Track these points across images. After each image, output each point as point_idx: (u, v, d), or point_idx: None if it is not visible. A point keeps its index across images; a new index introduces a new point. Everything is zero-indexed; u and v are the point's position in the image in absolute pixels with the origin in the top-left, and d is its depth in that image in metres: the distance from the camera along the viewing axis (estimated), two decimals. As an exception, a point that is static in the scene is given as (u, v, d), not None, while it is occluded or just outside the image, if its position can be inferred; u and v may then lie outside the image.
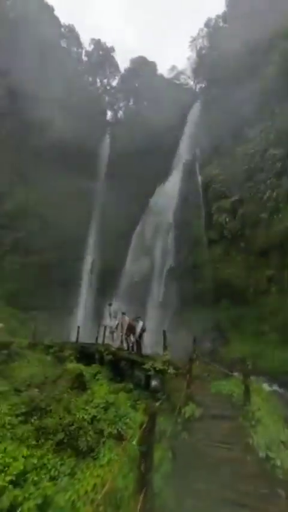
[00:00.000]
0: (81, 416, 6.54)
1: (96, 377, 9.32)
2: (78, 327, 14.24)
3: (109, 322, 12.44)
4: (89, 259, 49.88)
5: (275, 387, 15.30)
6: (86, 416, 6.58)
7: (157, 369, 7.40)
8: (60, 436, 5.85)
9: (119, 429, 6.15)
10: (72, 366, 9.88)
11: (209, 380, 8.75)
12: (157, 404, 4.69)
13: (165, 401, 6.76)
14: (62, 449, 5.62)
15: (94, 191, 54.42)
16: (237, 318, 27.57)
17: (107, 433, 6.09)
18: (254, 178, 31.64)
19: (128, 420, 6.54)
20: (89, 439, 5.75)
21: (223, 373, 9.71)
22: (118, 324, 12.10)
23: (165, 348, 8.12)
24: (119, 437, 5.83)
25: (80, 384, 8.40)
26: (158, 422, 3.74)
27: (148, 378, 8.96)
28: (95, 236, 51.71)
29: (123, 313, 11.93)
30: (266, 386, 11.40)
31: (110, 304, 13.01)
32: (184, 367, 8.40)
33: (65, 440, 5.75)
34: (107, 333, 12.17)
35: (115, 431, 6.10)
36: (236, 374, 10.26)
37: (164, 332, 8.56)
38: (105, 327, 12.46)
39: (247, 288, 27.93)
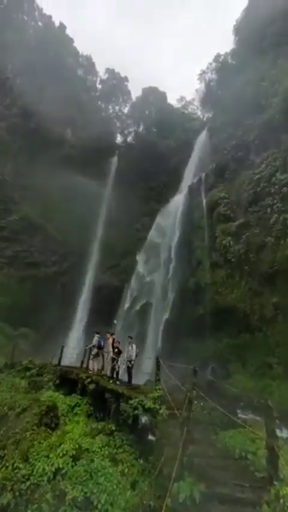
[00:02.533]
0: (41, 468, 4.99)
1: (74, 410, 7.70)
2: (62, 347, 12.66)
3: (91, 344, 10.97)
4: (89, 277, 48.56)
5: (285, 432, 13.22)
6: (47, 469, 5.01)
7: (146, 407, 5.86)
8: (5, 498, 4.30)
9: (87, 494, 4.54)
10: (48, 394, 8.29)
11: (212, 428, 6.99)
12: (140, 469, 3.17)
13: (153, 457, 5.15)
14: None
15: (99, 209, 54.46)
16: (240, 348, 25.53)
17: (70, 498, 4.50)
18: (259, 203, 31.12)
19: (102, 479, 4.93)
20: (43, 506, 4.19)
21: (226, 415, 8.01)
22: (93, 345, 10.57)
23: (157, 380, 6.59)
24: (85, 507, 4.24)
25: (50, 420, 6.82)
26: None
27: (136, 414, 7.34)
28: (97, 254, 50.82)
29: (110, 333, 10.41)
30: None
31: (97, 333, 11.30)
32: (180, 406, 6.83)
33: (11, 506, 4.19)
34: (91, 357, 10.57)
35: (81, 497, 4.49)
36: (243, 416, 8.48)
37: (158, 360, 7.06)
38: (90, 349, 10.81)
39: (251, 314, 26.19)
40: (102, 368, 10.46)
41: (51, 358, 14.58)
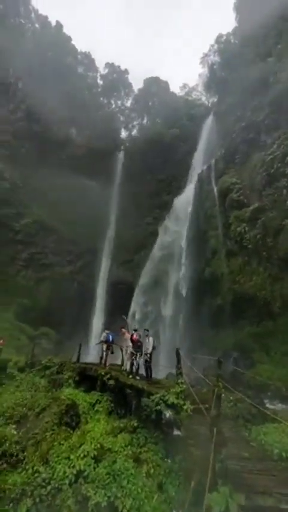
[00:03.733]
0: (62, 472, 4.75)
1: (95, 408, 7.47)
2: (80, 344, 12.55)
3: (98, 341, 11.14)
4: (103, 274, 48.79)
5: None
6: (68, 472, 4.78)
7: (169, 402, 5.47)
8: (25, 505, 4.09)
9: (111, 499, 4.25)
10: (67, 392, 8.11)
11: (242, 423, 6.47)
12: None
13: (179, 456, 4.69)
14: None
15: (109, 205, 54.34)
16: (263, 336, 24.68)
17: (93, 503, 4.23)
18: (274, 185, 29.70)
19: (125, 482, 4.64)
20: (66, 512, 3.94)
21: (254, 407, 7.49)
22: (102, 341, 10.55)
23: (179, 373, 6.17)
24: (110, 513, 3.96)
25: (71, 418, 6.61)
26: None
27: (159, 410, 6.99)
28: (110, 250, 50.89)
29: (123, 328, 10.13)
30: None
31: (107, 329, 11.49)
32: (204, 399, 6.40)
33: (32, 513, 3.98)
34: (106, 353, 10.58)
35: (105, 503, 4.21)
36: (271, 407, 7.91)
37: (178, 352, 6.65)
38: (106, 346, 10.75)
39: (273, 301, 25.19)
40: (122, 363, 10.25)
41: (71, 356, 14.55)
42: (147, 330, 9.39)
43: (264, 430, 5.95)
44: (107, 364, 10.35)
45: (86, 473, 4.81)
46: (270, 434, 5.82)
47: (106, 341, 10.73)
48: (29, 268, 44.44)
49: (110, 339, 10.77)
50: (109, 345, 10.70)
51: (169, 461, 5.25)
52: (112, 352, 10.70)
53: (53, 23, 71.13)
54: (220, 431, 4.62)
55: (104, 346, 10.63)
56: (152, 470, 4.92)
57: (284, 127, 31.59)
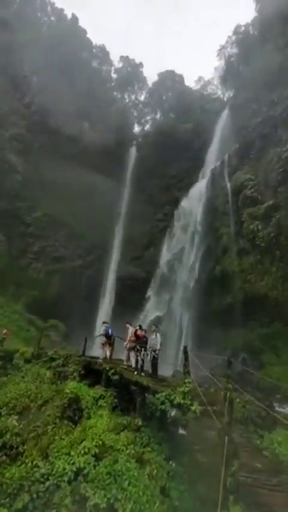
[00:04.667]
0: (61, 468, 4.59)
1: (99, 403, 7.30)
2: (86, 338, 12.47)
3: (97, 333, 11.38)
4: (113, 269, 48.89)
5: None
6: (67, 468, 4.61)
7: (175, 402, 5.21)
8: (21, 501, 3.95)
9: (111, 501, 4.04)
10: (72, 385, 8.00)
11: (254, 430, 6.11)
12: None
13: (185, 459, 4.42)
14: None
15: (120, 201, 54.18)
16: (273, 337, 24.04)
17: (91, 504, 4.03)
18: (290, 182, 28.68)
19: (126, 483, 4.41)
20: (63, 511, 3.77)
21: (264, 409, 7.14)
22: (100, 334, 10.62)
23: (186, 372, 5.88)
24: (109, 516, 3.76)
25: (73, 412, 6.48)
26: None
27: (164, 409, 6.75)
28: (120, 246, 50.89)
29: (128, 323, 9.90)
30: None
31: (105, 322, 11.71)
32: (212, 400, 6.12)
33: (28, 510, 3.83)
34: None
35: (104, 504, 4.00)
36: (281, 410, 7.58)
37: (186, 350, 6.36)
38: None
39: (284, 302, 24.44)
40: (128, 359, 10.11)
41: (77, 349, 14.53)
42: (156, 326, 9.12)
43: (278, 438, 5.55)
44: (107, 358, 10.42)
45: (86, 472, 4.63)
46: (284, 444, 5.40)
47: (106, 334, 10.81)
48: (39, 261, 44.99)
49: (110, 332, 10.84)
50: (108, 339, 10.78)
51: (173, 464, 5.01)
52: (110, 345, 10.77)
53: (69, 16, 70.77)
54: (231, 440, 4.13)
55: (103, 340, 10.73)
56: (155, 472, 4.69)
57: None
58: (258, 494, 3.81)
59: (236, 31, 52.56)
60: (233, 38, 53.38)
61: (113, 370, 8.19)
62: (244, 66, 51.91)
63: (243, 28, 51.42)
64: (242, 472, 4.03)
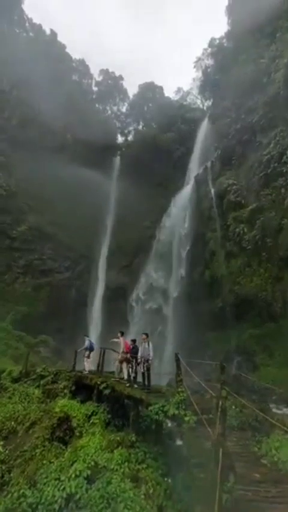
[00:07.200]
0: (50, 495, 4.27)
1: (91, 420, 6.96)
2: (76, 351, 12.06)
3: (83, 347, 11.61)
4: (102, 279, 48.33)
5: None
6: (57, 495, 4.28)
7: (169, 414, 5.01)
8: (6, 538, 3.62)
9: (104, 528, 3.77)
10: (62, 403, 7.63)
11: (251, 435, 5.95)
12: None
13: (182, 475, 4.17)
14: None
15: (107, 211, 54.18)
16: (266, 338, 24.19)
17: (84, 534, 3.77)
18: (271, 185, 29.55)
19: (121, 507, 4.03)
20: None
21: (259, 412, 7.00)
22: (84, 348, 10.60)
23: (179, 381, 5.69)
24: None
25: (64, 433, 6.13)
26: None
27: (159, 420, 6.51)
28: (108, 255, 50.56)
29: (121, 332, 9.59)
30: None
31: (86, 335, 11.80)
32: (206, 407, 5.94)
33: None
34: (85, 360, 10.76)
35: (97, 532, 3.74)
36: (277, 411, 7.50)
37: (177, 357, 6.17)
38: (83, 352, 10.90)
39: (274, 302, 24.77)
40: (120, 370, 9.81)
41: (69, 365, 14.08)
42: (147, 334, 8.81)
43: (277, 444, 5.36)
44: (89, 369, 10.35)
45: (77, 497, 4.29)
46: (283, 449, 5.13)
47: (89, 348, 10.78)
48: (26, 275, 43.91)
49: (92, 346, 10.84)
50: (90, 352, 10.75)
51: (170, 480, 4.77)
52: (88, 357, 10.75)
53: (48, 32, 71.80)
54: (227, 452, 3.87)
55: (86, 353, 10.65)
56: (151, 491, 4.43)
57: (281, 125, 31.56)
58: (258, 508, 3.57)
59: (211, 44, 54.79)
60: (209, 50, 55.57)
61: (104, 384, 7.89)
62: (221, 76, 53.91)
63: (217, 41, 53.67)
64: (240, 485, 3.80)
